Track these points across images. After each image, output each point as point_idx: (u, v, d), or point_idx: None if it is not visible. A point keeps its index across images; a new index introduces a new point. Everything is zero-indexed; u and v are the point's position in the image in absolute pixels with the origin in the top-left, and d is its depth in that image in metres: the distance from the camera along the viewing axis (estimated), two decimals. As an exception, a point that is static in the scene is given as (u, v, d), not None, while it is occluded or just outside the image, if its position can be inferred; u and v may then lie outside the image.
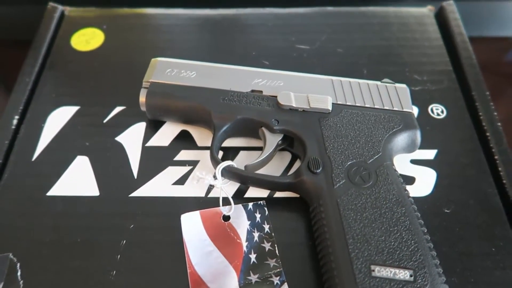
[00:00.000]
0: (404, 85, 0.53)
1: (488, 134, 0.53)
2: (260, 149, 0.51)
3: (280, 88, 0.52)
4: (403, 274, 0.39)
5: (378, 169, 0.45)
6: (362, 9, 0.68)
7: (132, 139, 0.53)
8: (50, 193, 0.49)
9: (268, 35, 0.65)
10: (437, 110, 0.56)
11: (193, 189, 0.49)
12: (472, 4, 0.83)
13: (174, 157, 0.52)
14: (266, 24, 0.66)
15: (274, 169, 0.51)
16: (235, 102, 0.50)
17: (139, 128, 0.54)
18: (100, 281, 0.43)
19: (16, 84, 0.58)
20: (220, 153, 0.52)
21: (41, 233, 0.46)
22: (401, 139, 0.48)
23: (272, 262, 0.44)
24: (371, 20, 0.67)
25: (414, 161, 0.52)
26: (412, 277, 0.39)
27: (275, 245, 0.45)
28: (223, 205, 0.47)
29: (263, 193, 0.49)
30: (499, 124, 0.54)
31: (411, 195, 0.45)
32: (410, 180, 0.50)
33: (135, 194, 0.49)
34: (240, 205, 0.47)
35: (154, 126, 0.54)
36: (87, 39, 0.63)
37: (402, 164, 0.51)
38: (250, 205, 0.48)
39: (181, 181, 0.50)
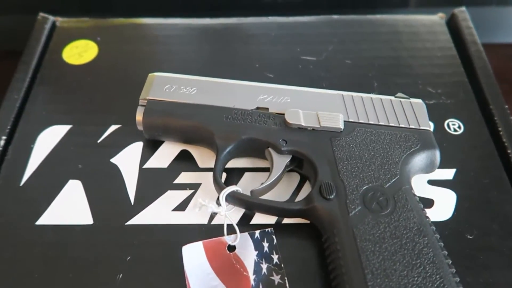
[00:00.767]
0: (420, 100, 0.50)
1: (509, 151, 0.50)
2: (266, 169, 0.47)
3: (288, 105, 0.48)
4: (428, 314, 0.35)
5: (396, 194, 0.42)
6: (370, 17, 0.65)
7: (128, 161, 0.50)
8: (40, 221, 0.45)
9: (271, 46, 0.62)
10: (454, 126, 0.53)
11: (194, 216, 0.45)
12: (479, 9, 0.80)
13: (174, 180, 0.48)
14: (269, 34, 0.63)
15: (282, 191, 0.47)
16: (239, 121, 0.47)
17: (136, 148, 0.51)
18: (95, 321, 0.40)
19: (4, 101, 0.54)
20: (224, 175, 0.48)
21: (30, 266, 0.42)
22: (419, 159, 0.45)
23: (282, 297, 0.40)
24: (380, 29, 0.64)
25: (431, 182, 0.48)
26: (439, 317, 0.35)
27: (285, 278, 0.41)
28: (227, 232, 0.43)
29: (271, 218, 0.45)
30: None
31: (430, 219, 0.41)
32: (429, 203, 0.47)
33: (132, 222, 0.45)
34: (246, 233, 0.44)
35: (152, 146, 0.51)
36: (80, 52, 0.60)
37: (419, 185, 0.47)
38: (257, 233, 0.44)
39: (182, 206, 0.46)
